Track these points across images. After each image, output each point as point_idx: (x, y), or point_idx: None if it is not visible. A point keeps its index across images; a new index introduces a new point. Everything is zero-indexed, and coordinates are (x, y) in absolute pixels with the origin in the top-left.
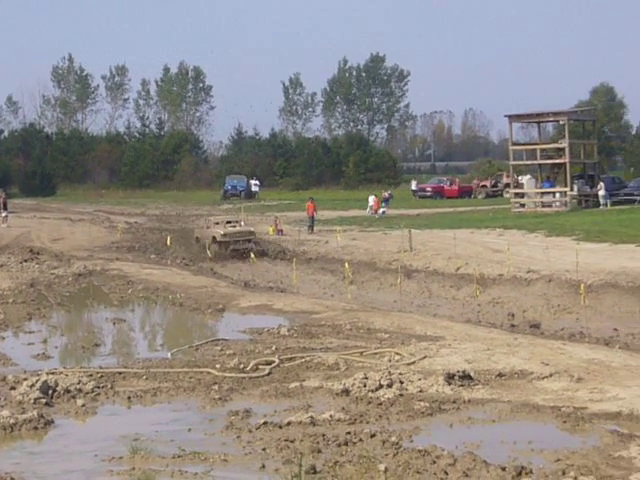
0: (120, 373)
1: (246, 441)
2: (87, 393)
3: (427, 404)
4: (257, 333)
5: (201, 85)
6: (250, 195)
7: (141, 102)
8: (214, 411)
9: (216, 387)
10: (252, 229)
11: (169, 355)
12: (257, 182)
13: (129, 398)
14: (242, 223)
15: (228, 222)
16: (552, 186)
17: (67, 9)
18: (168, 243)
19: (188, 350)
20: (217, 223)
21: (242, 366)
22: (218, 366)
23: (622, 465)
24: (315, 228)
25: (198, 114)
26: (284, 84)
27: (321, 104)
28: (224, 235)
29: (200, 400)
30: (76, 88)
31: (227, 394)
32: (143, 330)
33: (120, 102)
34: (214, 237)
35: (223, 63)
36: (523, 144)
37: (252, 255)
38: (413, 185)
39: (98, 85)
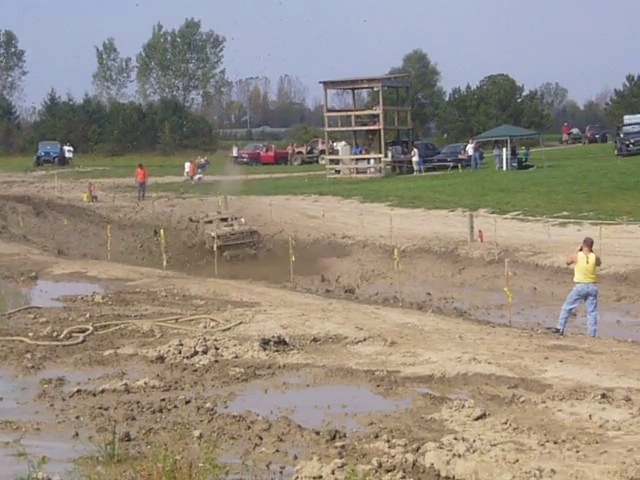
0: None
1: (59, 409)
2: None
3: (242, 370)
4: (71, 301)
5: (13, 50)
6: (64, 161)
7: None
8: (26, 380)
9: (29, 355)
10: (255, 228)
11: None
12: (70, 148)
13: None
14: (242, 220)
15: (223, 219)
16: (361, 152)
17: None
18: None
19: (0, 318)
20: (210, 222)
21: (55, 334)
22: (31, 334)
23: (434, 427)
24: (130, 195)
25: (10, 79)
26: (98, 49)
27: (136, 69)
28: (218, 238)
29: (12, 369)
30: None
31: (40, 362)
32: None
33: None
34: (204, 242)
35: (36, 27)
36: (338, 111)
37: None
38: (234, 151)
39: None
